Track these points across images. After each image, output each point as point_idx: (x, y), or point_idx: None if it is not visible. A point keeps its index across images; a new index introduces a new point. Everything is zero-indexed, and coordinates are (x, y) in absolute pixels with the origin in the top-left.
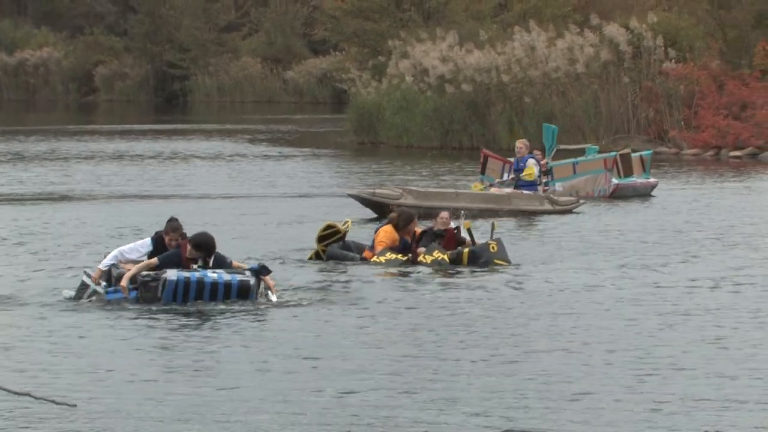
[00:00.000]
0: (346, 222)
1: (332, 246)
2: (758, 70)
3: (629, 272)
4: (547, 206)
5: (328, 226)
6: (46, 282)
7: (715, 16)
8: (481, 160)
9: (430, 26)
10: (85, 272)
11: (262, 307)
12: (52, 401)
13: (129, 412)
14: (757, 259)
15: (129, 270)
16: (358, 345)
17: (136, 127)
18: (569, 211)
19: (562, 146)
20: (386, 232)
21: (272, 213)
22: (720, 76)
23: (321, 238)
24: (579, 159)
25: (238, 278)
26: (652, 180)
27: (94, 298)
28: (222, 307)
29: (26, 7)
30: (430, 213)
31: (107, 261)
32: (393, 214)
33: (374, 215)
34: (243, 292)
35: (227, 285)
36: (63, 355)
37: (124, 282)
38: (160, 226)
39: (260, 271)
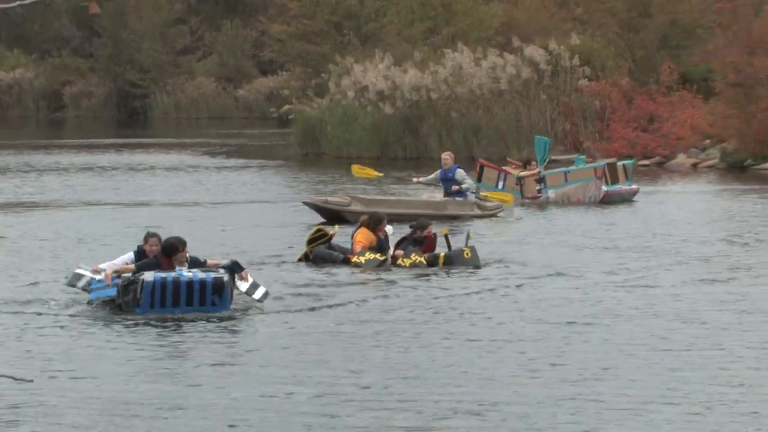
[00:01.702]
0: (335, 228)
1: (319, 247)
2: (664, 86)
3: (597, 274)
4: (477, 211)
5: (318, 230)
6: (21, 282)
7: (624, 38)
8: (477, 169)
9: (367, 49)
10: (79, 266)
11: (240, 309)
12: (11, 377)
13: (84, 389)
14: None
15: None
16: (333, 348)
17: (101, 141)
18: (494, 215)
19: (553, 157)
20: (362, 234)
21: (233, 219)
22: (629, 92)
23: (311, 240)
24: (570, 168)
25: (212, 276)
26: (634, 186)
27: (88, 288)
28: (199, 310)
29: None
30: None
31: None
32: (364, 217)
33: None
34: (218, 288)
35: (202, 282)
36: (31, 344)
37: (108, 271)
38: (125, 231)
39: (233, 268)
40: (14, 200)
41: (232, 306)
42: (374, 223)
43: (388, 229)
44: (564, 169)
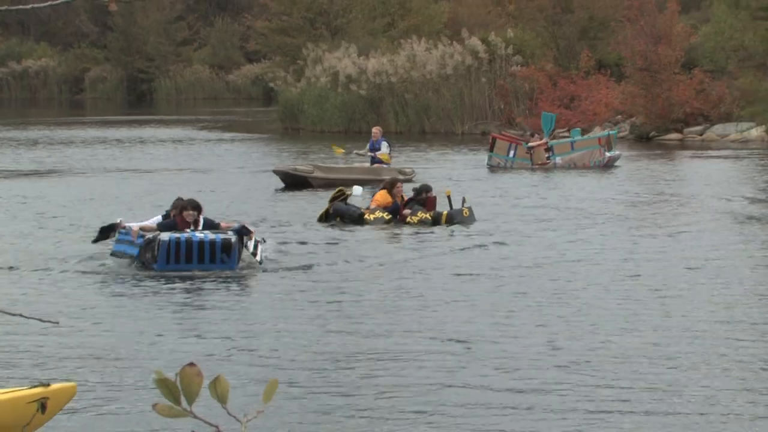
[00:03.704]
0: (350, 189)
1: (338, 203)
2: (583, 71)
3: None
4: (400, 177)
5: (339, 190)
6: (48, 240)
7: (550, 30)
8: (490, 140)
9: (336, 40)
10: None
11: (252, 267)
12: (38, 319)
13: (105, 329)
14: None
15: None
16: (335, 300)
17: (115, 118)
18: (411, 180)
19: (557, 131)
20: (382, 195)
21: (225, 183)
22: (554, 76)
23: (333, 198)
24: (575, 138)
25: (221, 237)
26: (617, 153)
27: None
28: (210, 268)
29: (29, 28)
30: (334, 182)
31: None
32: (386, 181)
33: (293, 186)
34: (225, 248)
35: (212, 243)
36: (58, 294)
37: (135, 227)
38: (138, 193)
39: (241, 231)
40: (42, 168)
41: (240, 264)
42: (390, 185)
43: (357, 189)
44: (570, 139)
